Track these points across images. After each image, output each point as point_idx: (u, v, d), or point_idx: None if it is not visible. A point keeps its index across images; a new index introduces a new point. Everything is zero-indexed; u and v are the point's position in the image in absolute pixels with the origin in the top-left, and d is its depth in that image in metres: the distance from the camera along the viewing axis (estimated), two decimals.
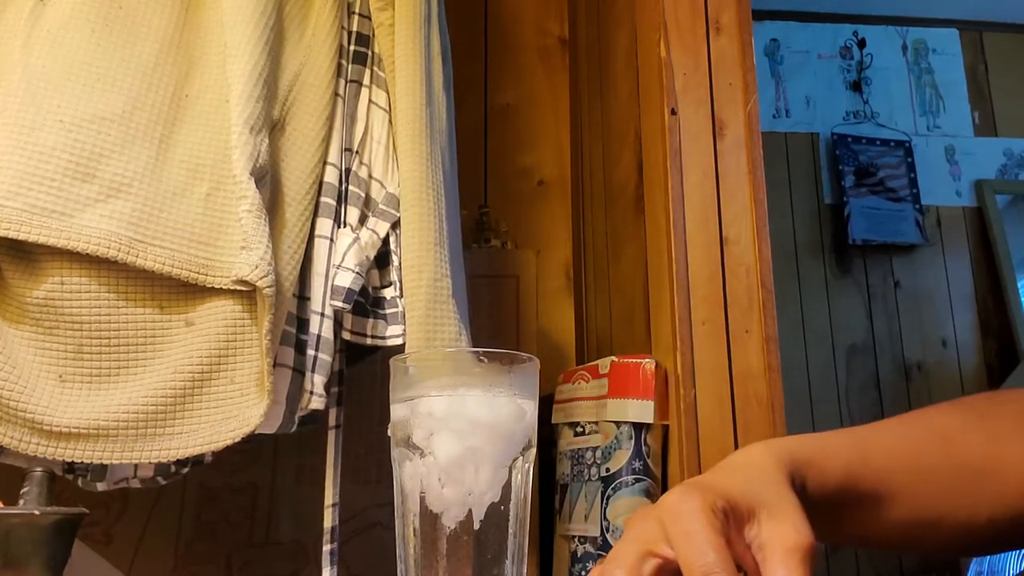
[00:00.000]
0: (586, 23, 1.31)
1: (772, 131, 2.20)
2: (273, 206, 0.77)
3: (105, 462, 0.67)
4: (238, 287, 0.71)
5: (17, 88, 0.71)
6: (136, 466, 0.78)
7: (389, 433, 0.61)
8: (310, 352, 0.77)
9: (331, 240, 0.80)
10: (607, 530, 0.82)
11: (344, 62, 0.88)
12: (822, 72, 2.30)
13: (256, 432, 0.71)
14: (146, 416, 0.68)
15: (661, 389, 0.84)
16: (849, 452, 0.46)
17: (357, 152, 0.85)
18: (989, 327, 2.15)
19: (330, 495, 0.84)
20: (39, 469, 0.65)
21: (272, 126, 0.79)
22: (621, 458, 0.83)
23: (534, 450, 0.61)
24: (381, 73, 0.89)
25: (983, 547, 0.51)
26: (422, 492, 0.57)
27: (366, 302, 0.82)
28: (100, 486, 0.79)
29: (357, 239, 0.81)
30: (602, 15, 1.21)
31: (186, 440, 0.69)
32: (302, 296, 0.78)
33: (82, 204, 0.69)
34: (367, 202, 0.84)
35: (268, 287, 0.69)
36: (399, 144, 0.84)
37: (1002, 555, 1.57)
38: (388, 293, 0.83)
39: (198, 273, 0.71)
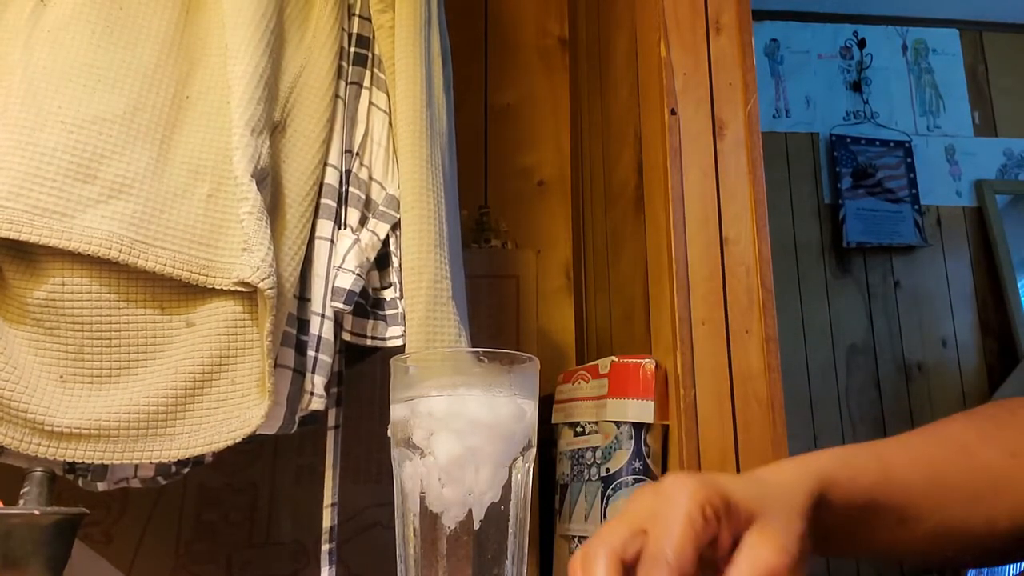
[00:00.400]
0: (586, 23, 1.31)
1: (772, 131, 2.20)
2: (274, 208, 0.77)
3: (106, 462, 0.67)
4: (239, 288, 0.71)
5: (18, 89, 0.71)
6: (137, 466, 0.78)
7: (389, 433, 0.61)
8: (310, 353, 0.77)
9: (331, 242, 0.80)
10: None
11: (344, 64, 0.88)
12: (822, 72, 2.30)
13: (257, 432, 0.71)
14: (147, 416, 0.68)
15: (661, 389, 0.84)
16: (873, 468, 0.47)
17: (357, 154, 0.85)
18: (989, 327, 2.15)
19: (329, 495, 0.84)
20: (39, 469, 0.65)
21: (273, 128, 0.79)
22: (621, 458, 0.83)
23: (534, 450, 0.61)
24: (381, 75, 0.89)
25: (1003, 556, 0.51)
26: (422, 492, 0.57)
27: (366, 303, 0.82)
28: (101, 486, 0.79)
29: (357, 241, 0.81)
30: (602, 15, 1.21)
31: (187, 440, 0.69)
32: (302, 297, 0.78)
33: (83, 205, 0.69)
34: (367, 204, 0.84)
35: (270, 289, 0.69)
36: (399, 146, 0.84)
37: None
38: (388, 294, 0.83)
39: (199, 274, 0.71)
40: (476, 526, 0.56)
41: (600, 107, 1.19)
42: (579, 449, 0.91)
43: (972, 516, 0.48)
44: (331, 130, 0.84)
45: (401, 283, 0.80)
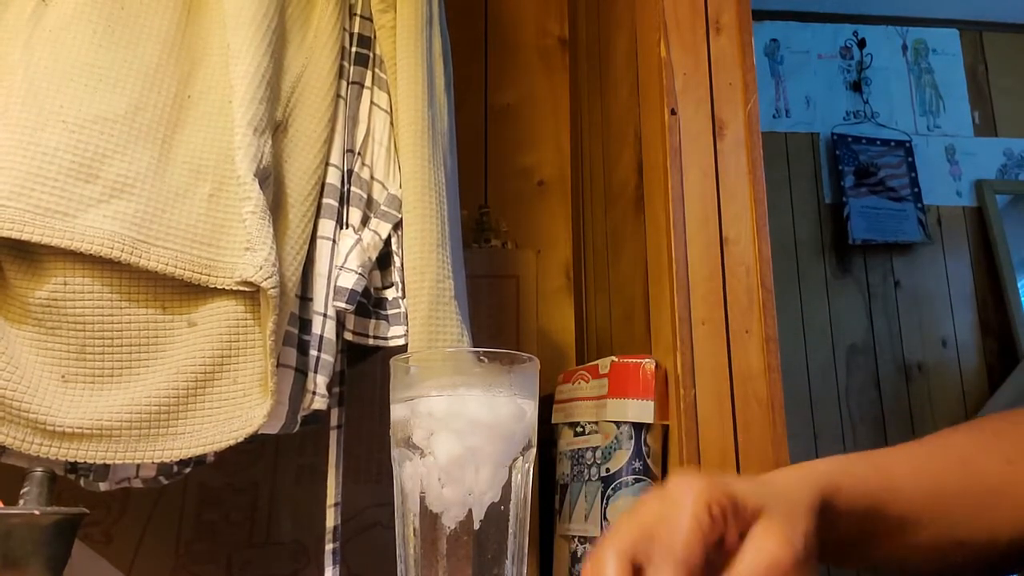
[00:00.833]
0: (586, 23, 1.31)
1: (772, 131, 2.20)
2: (276, 207, 0.77)
3: (108, 462, 0.67)
4: (241, 288, 0.71)
5: (19, 89, 0.71)
6: (138, 466, 0.78)
7: (390, 433, 0.61)
8: (312, 353, 0.77)
9: (333, 241, 0.80)
10: (607, 530, 0.82)
11: (346, 64, 0.88)
12: (822, 72, 2.30)
13: (259, 432, 0.71)
14: (149, 416, 0.68)
15: (661, 389, 0.84)
16: (874, 477, 0.47)
17: (359, 153, 0.86)
18: (989, 327, 2.15)
19: (332, 495, 0.84)
20: (39, 469, 0.65)
21: (275, 127, 0.79)
22: (621, 458, 0.83)
23: (534, 450, 0.61)
24: (383, 75, 0.89)
25: (1006, 567, 0.51)
26: (422, 492, 0.57)
27: (368, 303, 0.82)
28: (102, 486, 0.79)
29: (359, 240, 0.81)
30: (602, 15, 1.21)
31: (189, 440, 0.69)
32: (304, 297, 0.78)
33: (85, 204, 0.69)
34: (369, 203, 0.84)
35: (272, 288, 0.69)
36: (401, 146, 0.84)
37: None
38: (390, 294, 0.83)
39: (201, 274, 0.71)
40: (476, 526, 0.56)
41: (600, 107, 1.19)
42: (579, 449, 0.91)
43: (974, 526, 0.49)
44: (333, 130, 0.84)
45: (403, 282, 0.80)
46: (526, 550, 0.59)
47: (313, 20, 0.87)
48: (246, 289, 0.72)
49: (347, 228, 0.82)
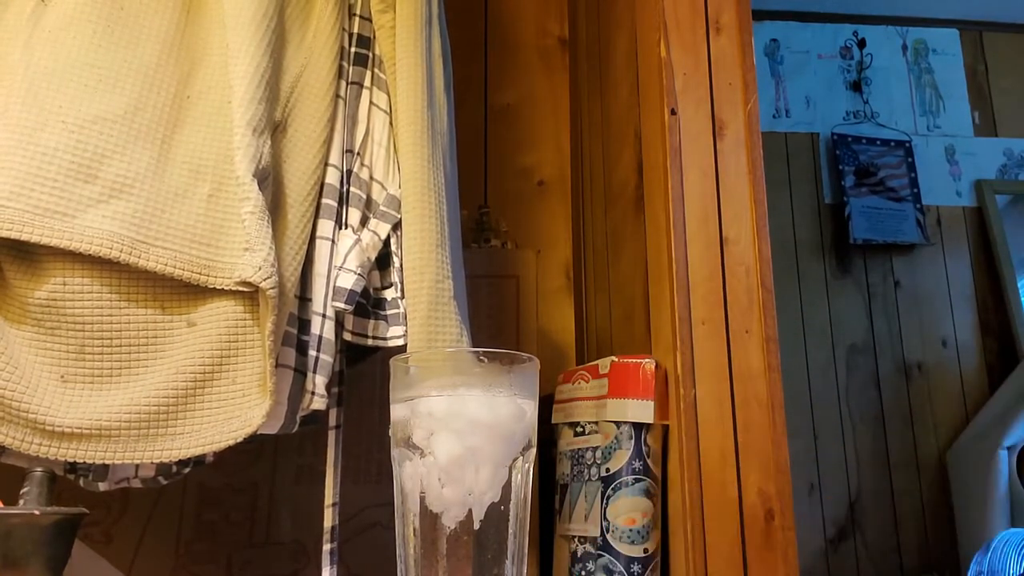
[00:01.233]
0: (586, 23, 1.31)
1: (772, 131, 2.20)
2: (275, 207, 0.77)
3: (107, 462, 0.67)
4: (241, 288, 0.71)
5: (19, 89, 0.71)
6: (138, 466, 0.78)
7: (390, 433, 0.61)
8: (311, 353, 0.77)
9: (332, 241, 0.80)
10: (607, 530, 0.82)
11: (345, 64, 0.88)
12: (822, 72, 2.30)
13: (258, 432, 0.71)
14: (148, 416, 0.68)
15: (661, 389, 0.84)
16: None
17: (358, 154, 0.85)
18: (989, 327, 2.15)
19: (331, 495, 0.84)
20: (39, 469, 0.65)
21: (274, 128, 0.79)
22: (621, 458, 0.83)
23: (534, 450, 0.61)
24: (382, 75, 0.89)
25: None
26: (422, 492, 0.57)
27: (367, 303, 0.82)
28: (102, 486, 0.79)
29: (358, 240, 0.81)
30: (602, 15, 1.21)
31: (188, 440, 0.69)
32: (304, 297, 0.78)
33: (84, 205, 0.69)
34: (368, 203, 0.84)
35: (271, 288, 0.69)
36: (400, 146, 0.84)
37: (1003, 555, 1.57)
38: (389, 294, 0.83)
39: (200, 274, 0.71)
40: (476, 526, 0.56)
41: (600, 107, 1.19)
42: (579, 449, 0.91)
43: None
44: (332, 130, 0.84)
45: (402, 283, 0.80)
46: (526, 550, 0.59)
47: (312, 20, 0.87)
48: (245, 289, 0.72)
49: (346, 228, 0.82)
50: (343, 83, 0.87)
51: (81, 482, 0.79)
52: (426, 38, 0.87)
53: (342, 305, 0.77)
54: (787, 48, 2.30)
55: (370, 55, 0.90)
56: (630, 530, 0.81)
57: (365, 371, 1.06)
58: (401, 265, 0.81)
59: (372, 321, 0.82)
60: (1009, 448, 1.90)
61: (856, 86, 2.30)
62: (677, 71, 0.89)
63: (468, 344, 0.80)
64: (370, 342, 0.82)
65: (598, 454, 0.87)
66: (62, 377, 0.68)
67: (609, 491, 0.83)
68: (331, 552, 0.83)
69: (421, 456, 0.57)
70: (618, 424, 0.85)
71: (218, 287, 0.72)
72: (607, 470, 0.84)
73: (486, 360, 0.59)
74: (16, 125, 0.69)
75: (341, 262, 0.79)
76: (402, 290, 0.80)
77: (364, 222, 0.83)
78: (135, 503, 1.10)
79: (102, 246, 0.67)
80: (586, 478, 0.88)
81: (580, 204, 1.29)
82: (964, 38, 2.37)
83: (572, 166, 1.36)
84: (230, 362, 0.71)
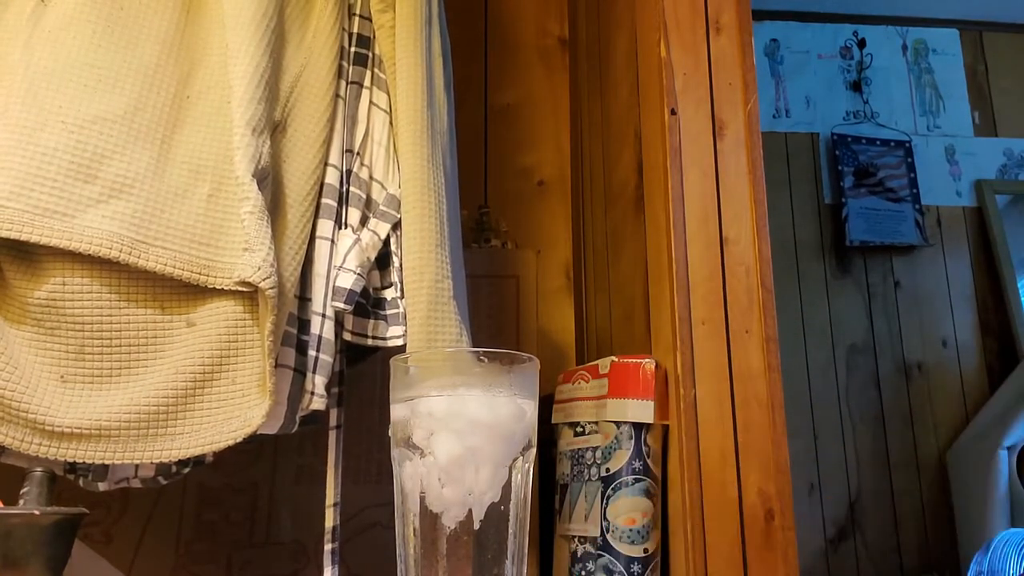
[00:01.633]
0: (586, 23, 1.31)
1: (772, 131, 2.20)
2: (275, 207, 0.77)
3: (107, 462, 0.67)
4: (240, 288, 0.71)
5: (19, 89, 0.71)
6: (137, 466, 0.78)
7: (389, 433, 0.61)
8: (311, 353, 0.77)
9: (332, 241, 0.80)
10: (607, 530, 0.82)
11: (345, 64, 0.88)
12: (822, 72, 2.30)
13: (257, 432, 0.71)
14: (148, 416, 0.68)
15: (661, 389, 0.84)
16: None
17: (358, 153, 0.85)
18: (989, 327, 2.15)
19: (331, 495, 0.84)
20: (39, 469, 0.65)
21: (274, 127, 0.79)
22: (621, 458, 0.83)
23: (534, 450, 0.61)
24: (382, 75, 0.89)
25: None
26: (422, 492, 0.57)
27: (367, 303, 0.82)
28: (102, 486, 0.79)
29: (358, 240, 0.81)
30: (602, 15, 1.21)
31: (188, 440, 0.69)
32: (303, 297, 0.78)
33: (84, 205, 0.69)
34: (368, 203, 0.84)
35: (271, 289, 0.69)
36: (400, 146, 0.84)
37: (1003, 555, 1.57)
38: (389, 294, 0.83)
39: (200, 274, 0.71)
40: (476, 526, 0.56)
41: (600, 107, 1.19)
42: (579, 449, 0.91)
43: None
44: (332, 130, 0.84)
45: (402, 283, 0.80)
46: (526, 550, 0.59)
47: (312, 20, 0.87)
48: (245, 289, 0.71)
49: (346, 228, 0.82)
50: (343, 83, 0.87)
51: (81, 482, 0.79)
52: (426, 38, 0.87)
53: (342, 305, 0.77)
54: (787, 48, 2.30)
55: (370, 55, 0.90)
56: (630, 530, 0.81)
57: (365, 371, 1.06)
58: (401, 265, 0.81)
59: (372, 321, 0.82)
60: (1009, 448, 1.90)
61: (856, 86, 2.30)
62: (677, 71, 0.89)
63: (468, 344, 0.80)
64: (370, 342, 0.82)
65: (598, 454, 0.87)
66: (62, 377, 0.68)
67: (609, 491, 0.83)
68: (332, 552, 0.83)
69: (421, 456, 0.57)
70: (618, 424, 0.85)
71: (218, 287, 0.72)
72: (607, 470, 0.84)
73: (486, 360, 0.59)
74: (16, 125, 0.69)
75: (341, 262, 0.79)
76: (402, 290, 0.80)
77: (364, 222, 0.83)
78: (135, 503, 1.10)
79: (102, 246, 0.67)
80: (586, 478, 0.88)
81: (580, 204, 1.29)
82: (964, 38, 2.37)
83: (572, 166, 1.36)
84: (230, 362, 0.71)
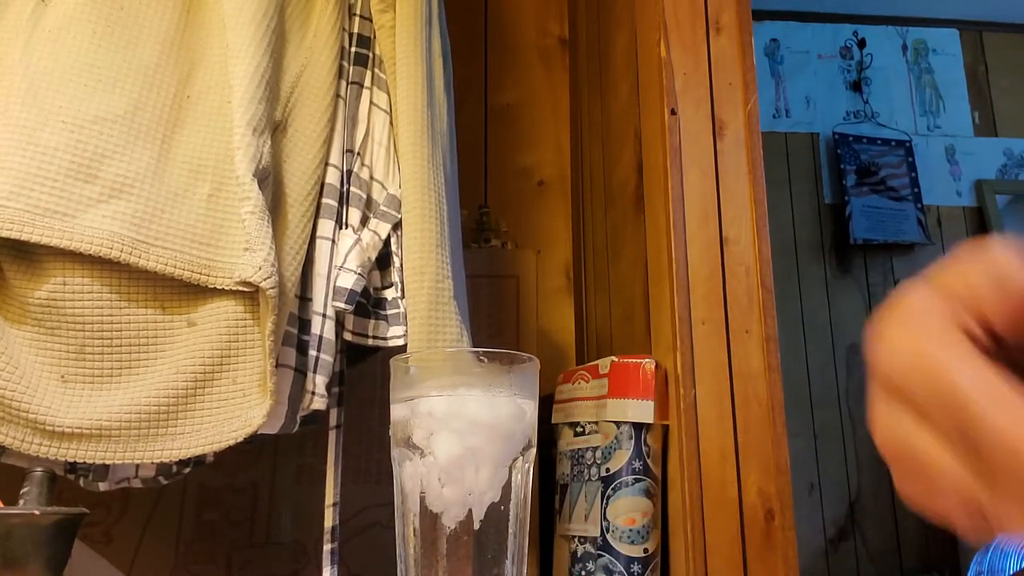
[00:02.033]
0: (586, 23, 1.31)
1: (772, 131, 2.20)
2: (275, 207, 0.77)
3: (107, 462, 0.67)
4: (241, 288, 0.71)
5: (19, 89, 0.71)
6: (138, 466, 0.78)
7: (390, 433, 0.61)
8: (312, 353, 0.77)
9: (333, 241, 0.80)
10: (607, 530, 0.82)
11: (345, 64, 0.88)
12: (822, 72, 2.30)
13: (258, 432, 0.71)
14: (148, 416, 0.68)
15: (661, 389, 0.84)
16: None
17: (358, 153, 0.85)
18: None
19: (331, 495, 0.84)
20: (39, 469, 0.65)
21: (274, 127, 0.79)
22: (621, 458, 0.83)
23: (534, 450, 0.61)
24: (382, 75, 0.89)
25: None
26: (422, 492, 0.57)
27: (367, 303, 0.82)
28: (102, 486, 0.79)
29: (359, 240, 0.81)
30: (602, 15, 1.21)
31: (188, 440, 0.69)
32: (304, 297, 0.78)
33: (84, 205, 0.69)
34: (368, 203, 0.84)
35: (271, 288, 0.69)
36: (400, 146, 0.84)
37: (1002, 554, 1.57)
38: (389, 294, 0.83)
39: (200, 274, 0.71)
40: (476, 526, 0.56)
41: (600, 107, 1.19)
42: (579, 449, 0.91)
43: None
44: (332, 130, 0.84)
45: (402, 283, 0.80)
46: (526, 550, 0.59)
47: (312, 20, 0.87)
48: (245, 289, 0.71)
49: (346, 228, 0.82)
50: (343, 83, 0.87)
51: (81, 482, 0.79)
52: (426, 38, 0.87)
53: (342, 305, 0.77)
54: (787, 48, 2.30)
55: (370, 55, 0.90)
56: (630, 530, 0.81)
57: (365, 371, 1.06)
58: (401, 265, 0.81)
59: (372, 321, 0.82)
60: None
61: (856, 86, 2.30)
62: (677, 71, 0.89)
63: (468, 344, 0.80)
64: (370, 342, 0.82)
65: (598, 454, 0.87)
66: (62, 377, 0.68)
67: (609, 491, 0.83)
68: (332, 552, 0.83)
69: (421, 456, 0.57)
70: (618, 424, 0.85)
71: (218, 287, 0.72)
72: (607, 470, 0.84)
73: (486, 360, 0.59)
74: (16, 125, 0.69)
75: (341, 262, 0.79)
76: (402, 290, 0.80)
77: (364, 222, 0.83)
78: (135, 503, 1.10)
79: (102, 246, 0.67)
80: (586, 478, 0.88)
81: (580, 204, 1.29)
82: (964, 38, 2.37)
83: (572, 166, 1.36)
84: (230, 362, 0.71)
